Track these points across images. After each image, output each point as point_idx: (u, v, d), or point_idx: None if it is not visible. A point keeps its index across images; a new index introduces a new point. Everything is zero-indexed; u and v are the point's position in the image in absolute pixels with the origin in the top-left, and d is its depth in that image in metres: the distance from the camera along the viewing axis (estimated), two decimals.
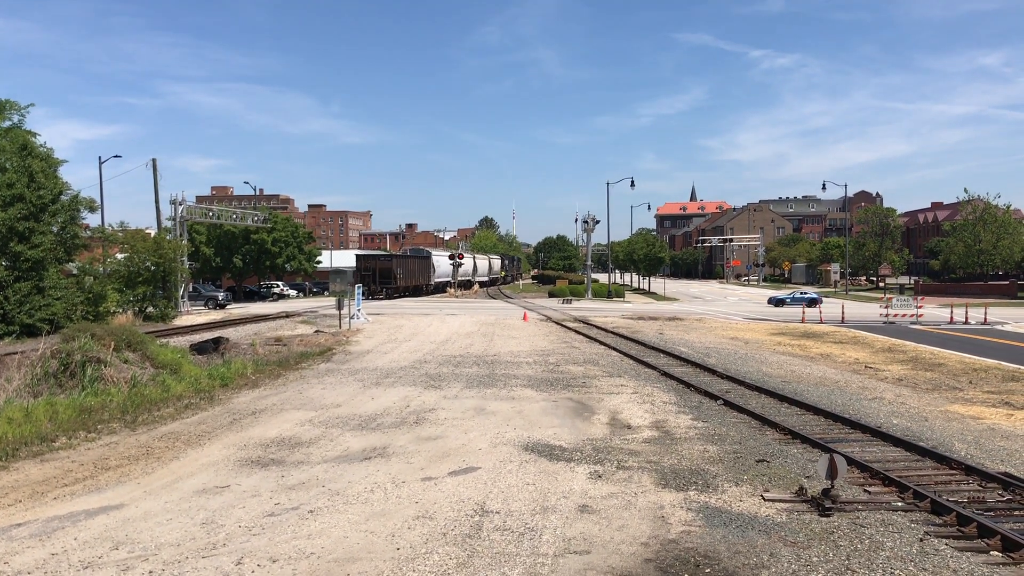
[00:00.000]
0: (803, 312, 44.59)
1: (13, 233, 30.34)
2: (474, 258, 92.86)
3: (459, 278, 79.87)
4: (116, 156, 57.01)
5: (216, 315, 45.12)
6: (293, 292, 72.34)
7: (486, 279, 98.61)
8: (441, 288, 77.10)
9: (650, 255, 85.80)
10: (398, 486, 10.09)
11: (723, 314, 48.29)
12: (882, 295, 59.41)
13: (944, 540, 8.13)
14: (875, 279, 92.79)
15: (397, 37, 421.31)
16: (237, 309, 51.56)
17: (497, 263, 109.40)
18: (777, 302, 57.50)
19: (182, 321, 39.89)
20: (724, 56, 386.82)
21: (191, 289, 56.74)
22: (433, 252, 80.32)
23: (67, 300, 32.26)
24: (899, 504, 9.33)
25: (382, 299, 61.28)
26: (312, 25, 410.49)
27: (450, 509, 9.09)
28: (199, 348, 24.79)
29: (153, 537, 8.23)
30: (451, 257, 78.31)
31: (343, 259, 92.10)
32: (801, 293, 61.11)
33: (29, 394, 15.72)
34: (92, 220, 52.51)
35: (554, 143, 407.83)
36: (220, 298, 54.99)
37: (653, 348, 26.94)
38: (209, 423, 14.48)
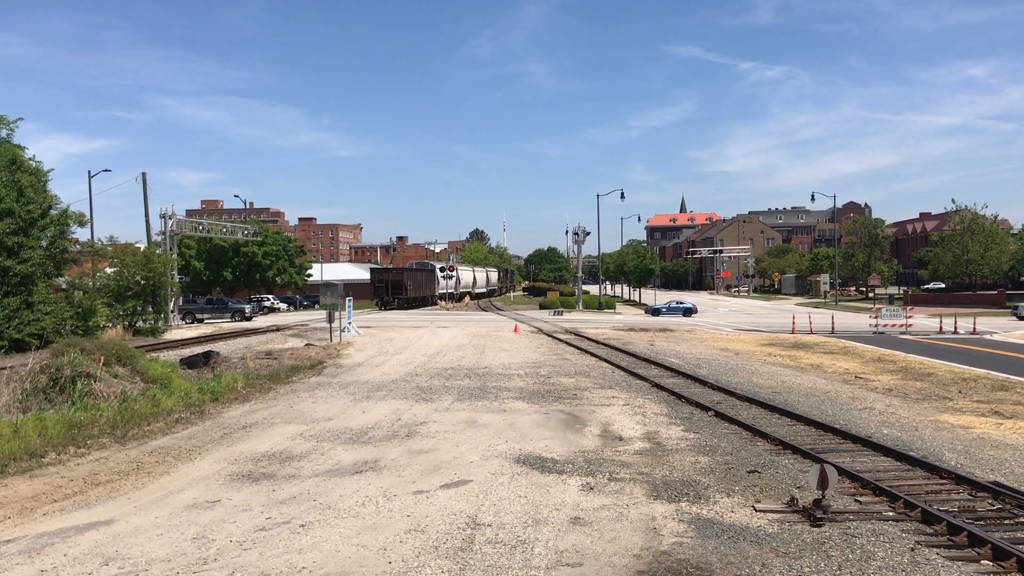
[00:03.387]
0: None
1: (2, 247, 30.21)
2: (473, 271, 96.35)
3: (460, 290, 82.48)
4: (106, 170, 56.45)
5: (207, 329, 44.96)
6: (283, 305, 72.25)
7: (484, 291, 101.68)
8: (445, 298, 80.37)
9: (641, 266, 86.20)
10: (389, 499, 10.07)
11: (713, 325, 48.44)
12: (871, 305, 59.66)
13: (935, 549, 8.17)
14: (864, 289, 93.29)
15: (388, 50, 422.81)
16: (227, 323, 51.38)
17: (495, 275, 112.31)
18: (654, 312, 59.85)
19: (172, 335, 39.73)
20: (713, 68, 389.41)
21: (214, 301, 55.93)
22: (437, 266, 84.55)
23: (56, 315, 32.12)
24: (890, 514, 9.38)
25: (394, 308, 68.72)
26: (303, 39, 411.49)
27: (442, 522, 9.08)
28: (189, 362, 24.70)
29: (144, 553, 8.18)
30: (452, 270, 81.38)
31: (334, 272, 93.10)
32: (677, 303, 62.77)
33: (18, 409, 15.59)
34: (82, 234, 52.46)
35: (544, 155, 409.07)
36: (247, 311, 53.55)
37: (644, 359, 26.99)
38: (199, 437, 14.42)
